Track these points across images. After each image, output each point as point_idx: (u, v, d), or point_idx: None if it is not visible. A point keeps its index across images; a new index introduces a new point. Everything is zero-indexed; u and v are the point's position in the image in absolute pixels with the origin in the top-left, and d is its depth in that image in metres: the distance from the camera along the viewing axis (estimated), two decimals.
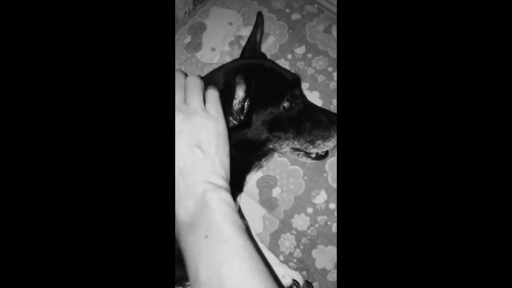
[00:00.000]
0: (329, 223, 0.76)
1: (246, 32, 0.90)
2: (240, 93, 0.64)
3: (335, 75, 0.85)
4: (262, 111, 0.66)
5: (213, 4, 0.94)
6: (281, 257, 0.79)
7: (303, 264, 0.78)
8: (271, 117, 0.67)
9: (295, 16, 0.92)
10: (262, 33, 0.83)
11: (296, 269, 0.78)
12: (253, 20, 0.90)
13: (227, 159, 0.55)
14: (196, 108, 0.54)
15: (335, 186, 0.77)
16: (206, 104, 0.56)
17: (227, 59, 0.88)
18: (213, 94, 0.58)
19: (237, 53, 0.88)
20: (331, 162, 0.78)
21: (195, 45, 0.89)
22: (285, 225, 0.79)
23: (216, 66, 0.86)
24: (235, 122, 0.65)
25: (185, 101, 0.55)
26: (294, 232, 0.78)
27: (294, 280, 0.74)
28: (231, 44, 0.89)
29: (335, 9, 0.98)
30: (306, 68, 0.86)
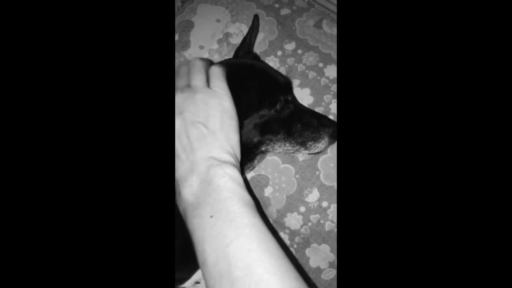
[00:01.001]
0: (322, 221, 0.75)
1: (234, 29, 0.88)
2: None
3: (326, 70, 0.83)
4: (254, 114, 0.66)
5: (201, 1, 0.92)
6: None
7: (297, 263, 0.77)
8: (263, 120, 0.66)
9: (285, 11, 0.90)
10: (256, 35, 0.82)
11: None
12: (241, 17, 0.89)
13: (234, 135, 0.53)
14: (198, 86, 0.53)
15: (328, 184, 0.76)
16: (210, 82, 0.55)
17: (216, 57, 0.86)
18: (216, 71, 0.56)
19: (225, 51, 0.86)
20: (323, 160, 0.77)
21: (183, 44, 0.88)
22: (278, 225, 0.78)
23: None
24: None
25: (189, 84, 0.55)
26: (287, 231, 0.77)
27: None
28: (219, 41, 0.87)
29: (325, 3, 0.96)
30: (296, 64, 0.84)
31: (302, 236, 0.76)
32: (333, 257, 0.75)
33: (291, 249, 0.77)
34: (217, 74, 0.55)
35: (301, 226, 0.76)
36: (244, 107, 0.65)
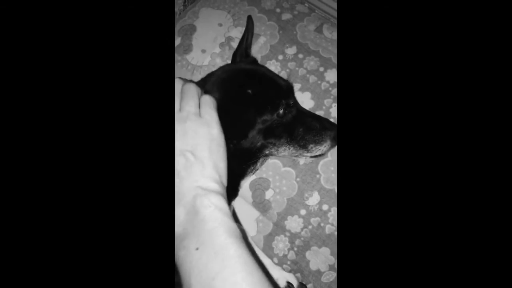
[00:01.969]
0: (322, 224, 0.76)
1: (236, 33, 0.89)
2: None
3: (326, 75, 0.84)
4: (257, 120, 0.66)
5: (203, 5, 0.93)
6: (275, 260, 0.78)
7: (297, 266, 0.78)
8: (265, 125, 0.67)
9: (286, 16, 0.91)
10: (252, 37, 0.83)
11: (290, 271, 0.78)
12: (243, 21, 0.90)
13: (222, 162, 0.53)
14: (189, 113, 0.53)
15: (328, 187, 0.77)
16: (201, 109, 0.55)
17: (218, 61, 0.87)
18: (207, 100, 0.56)
19: (227, 55, 0.87)
20: (324, 163, 0.78)
21: (185, 47, 0.88)
22: (279, 227, 0.79)
23: (206, 69, 0.86)
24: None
25: (180, 108, 0.55)
26: (287, 234, 0.78)
27: (288, 282, 0.74)
28: (221, 45, 0.88)
29: (326, 8, 0.97)
30: (297, 68, 0.85)
31: (302, 239, 0.77)
32: (333, 260, 0.76)
33: (292, 251, 0.78)
34: (209, 103, 0.56)
35: (302, 229, 0.77)
36: (246, 115, 0.66)
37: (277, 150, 0.71)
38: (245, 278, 0.41)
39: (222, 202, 0.48)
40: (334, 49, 0.87)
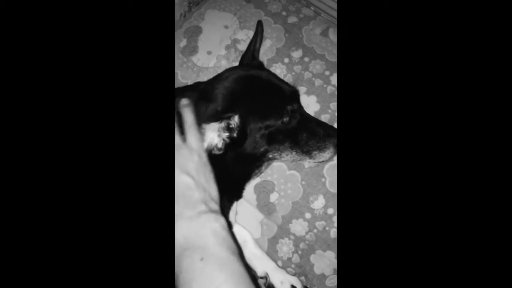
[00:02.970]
0: (327, 228, 0.76)
1: (242, 35, 0.89)
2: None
3: (332, 79, 0.84)
4: (260, 124, 0.66)
5: (209, 7, 0.93)
6: (279, 263, 0.78)
7: (302, 269, 0.77)
8: (269, 130, 0.67)
9: (292, 19, 0.91)
10: (261, 41, 0.83)
11: (294, 275, 0.78)
12: (249, 24, 0.90)
13: (215, 186, 0.55)
14: (178, 142, 0.54)
15: (333, 191, 0.77)
16: (185, 132, 0.56)
17: (224, 63, 0.87)
18: (188, 117, 0.57)
19: (233, 57, 0.87)
20: (329, 167, 0.78)
21: (191, 49, 0.88)
22: (283, 231, 0.78)
23: (212, 71, 0.86)
24: (228, 140, 0.64)
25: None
26: (292, 237, 0.78)
27: (292, 286, 0.74)
28: (227, 47, 0.88)
29: (331, 12, 0.98)
30: (303, 72, 0.85)
31: (307, 242, 0.77)
32: None
33: (296, 255, 0.78)
34: (190, 121, 0.56)
35: (306, 233, 0.77)
36: (251, 119, 0.66)
37: (280, 154, 0.72)
38: None
39: (225, 222, 0.51)
40: None
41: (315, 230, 0.76)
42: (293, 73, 0.85)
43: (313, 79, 0.85)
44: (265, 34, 0.88)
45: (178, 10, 1.04)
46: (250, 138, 0.67)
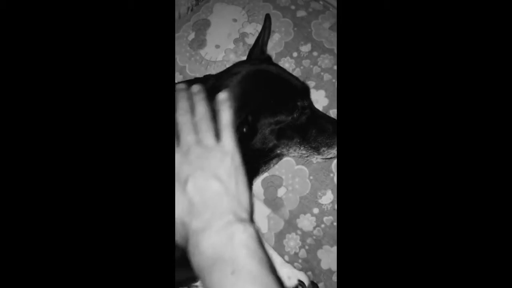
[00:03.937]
0: (335, 223, 0.76)
1: (251, 29, 0.88)
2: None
3: None
4: (270, 120, 0.66)
5: (217, 0, 0.93)
6: (286, 257, 0.78)
7: (309, 264, 0.77)
8: (279, 126, 0.67)
9: (301, 13, 0.90)
10: (269, 35, 0.82)
11: (301, 270, 0.77)
12: (258, 17, 0.89)
13: (247, 191, 0.52)
14: (209, 143, 0.51)
15: None
16: (220, 132, 0.52)
17: (232, 56, 0.86)
18: (225, 115, 0.53)
19: (241, 50, 0.87)
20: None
21: (199, 42, 0.88)
22: (290, 225, 0.78)
23: (220, 64, 0.86)
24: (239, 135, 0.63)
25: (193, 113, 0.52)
26: (299, 232, 0.78)
27: (299, 281, 0.74)
28: (235, 41, 0.88)
29: None
30: (311, 66, 0.85)
31: (314, 237, 0.77)
32: None
33: (303, 250, 0.78)
34: (227, 122, 0.53)
35: (314, 228, 0.76)
36: (261, 114, 0.65)
37: (288, 150, 0.71)
38: None
39: (255, 233, 0.48)
40: None
41: (322, 225, 0.76)
42: (301, 67, 0.85)
43: (322, 73, 0.84)
44: (273, 28, 0.88)
45: (186, 3, 1.04)
46: (260, 134, 0.67)
